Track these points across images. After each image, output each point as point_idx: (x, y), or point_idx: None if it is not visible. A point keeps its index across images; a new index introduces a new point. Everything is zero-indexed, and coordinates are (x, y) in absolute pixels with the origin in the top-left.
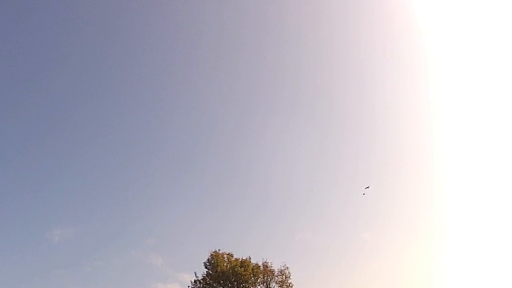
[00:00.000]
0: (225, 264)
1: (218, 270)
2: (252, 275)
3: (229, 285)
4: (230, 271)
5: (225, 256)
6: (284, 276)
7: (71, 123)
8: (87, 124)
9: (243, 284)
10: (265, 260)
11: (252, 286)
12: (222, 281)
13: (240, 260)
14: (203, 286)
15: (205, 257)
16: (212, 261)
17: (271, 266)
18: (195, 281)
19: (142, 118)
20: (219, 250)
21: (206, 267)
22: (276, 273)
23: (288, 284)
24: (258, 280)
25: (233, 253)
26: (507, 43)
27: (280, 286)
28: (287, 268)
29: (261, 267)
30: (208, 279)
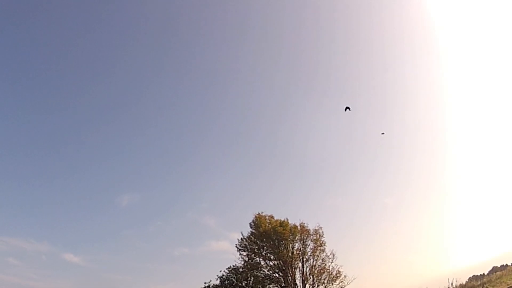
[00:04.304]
0: (267, 224)
1: (261, 230)
2: (290, 234)
3: (271, 242)
4: (271, 230)
5: (267, 217)
6: (318, 235)
7: (140, 105)
8: (152, 107)
9: (283, 242)
10: (301, 221)
11: (291, 243)
12: (264, 239)
13: (280, 221)
14: (248, 243)
15: (250, 218)
16: (256, 222)
17: (307, 226)
18: (241, 239)
19: (197, 101)
20: (262, 212)
21: (251, 227)
22: (311, 232)
23: (321, 242)
24: (296, 238)
25: (273, 215)
26: None
27: (314, 243)
28: (321, 228)
29: (298, 227)
30: (252, 237)
